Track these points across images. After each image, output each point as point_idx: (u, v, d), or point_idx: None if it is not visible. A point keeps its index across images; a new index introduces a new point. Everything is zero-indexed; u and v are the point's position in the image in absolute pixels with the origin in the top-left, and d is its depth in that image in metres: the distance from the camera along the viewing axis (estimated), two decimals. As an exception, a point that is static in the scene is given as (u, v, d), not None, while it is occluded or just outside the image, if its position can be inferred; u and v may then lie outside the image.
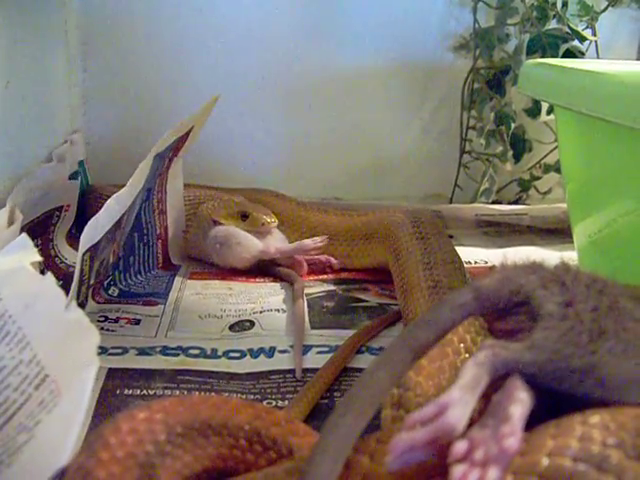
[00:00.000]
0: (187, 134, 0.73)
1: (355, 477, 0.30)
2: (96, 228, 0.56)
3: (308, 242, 0.74)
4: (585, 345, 0.33)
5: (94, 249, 0.57)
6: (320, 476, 0.27)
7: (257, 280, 0.75)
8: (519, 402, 0.30)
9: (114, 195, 0.58)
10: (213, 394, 0.51)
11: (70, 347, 0.32)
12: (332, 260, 0.77)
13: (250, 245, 0.74)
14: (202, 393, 0.51)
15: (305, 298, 0.69)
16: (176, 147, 0.72)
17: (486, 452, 0.28)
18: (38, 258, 0.36)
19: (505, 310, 0.36)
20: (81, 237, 0.53)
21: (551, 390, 0.32)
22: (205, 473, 0.32)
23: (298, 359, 0.56)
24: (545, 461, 0.27)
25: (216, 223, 0.76)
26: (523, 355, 0.32)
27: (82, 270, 0.55)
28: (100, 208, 0.56)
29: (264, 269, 0.76)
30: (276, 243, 0.76)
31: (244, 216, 0.75)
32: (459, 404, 0.30)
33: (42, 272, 0.35)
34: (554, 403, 0.32)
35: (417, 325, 0.35)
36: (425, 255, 0.62)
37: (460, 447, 0.28)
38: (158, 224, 0.76)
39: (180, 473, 0.31)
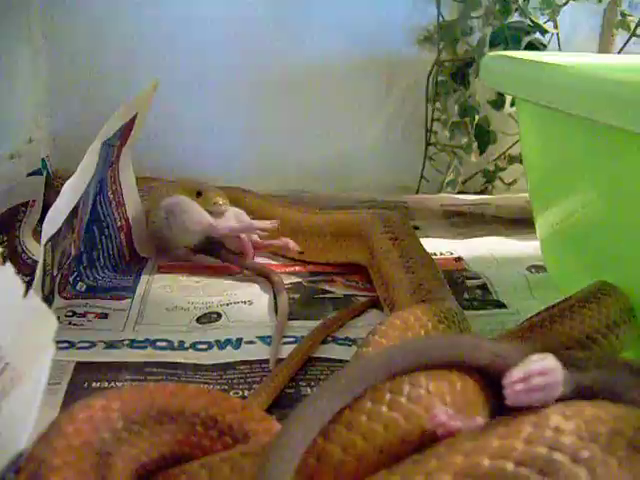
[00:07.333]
0: (132, 122, 0.73)
1: (327, 468, 0.29)
2: (56, 216, 0.56)
3: (259, 222, 0.74)
4: None
5: (55, 237, 0.57)
6: (290, 445, 0.28)
7: (224, 273, 0.75)
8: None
9: (67, 181, 0.58)
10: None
11: (29, 334, 0.33)
12: (290, 243, 0.74)
13: (200, 217, 0.73)
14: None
15: (273, 290, 0.69)
16: (123, 135, 0.72)
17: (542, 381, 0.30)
18: None
19: None
20: (43, 226, 0.54)
21: None
22: (162, 459, 0.33)
23: (275, 350, 0.57)
24: (486, 463, 0.26)
25: None
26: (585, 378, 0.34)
27: (45, 261, 0.55)
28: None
29: (211, 249, 0.74)
30: (229, 222, 0.74)
31: (198, 193, 0.75)
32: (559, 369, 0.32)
33: (4, 260, 0.35)
34: None
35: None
36: (404, 258, 0.63)
37: (517, 373, 0.31)
38: (118, 217, 0.75)
39: (136, 459, 0.31)
